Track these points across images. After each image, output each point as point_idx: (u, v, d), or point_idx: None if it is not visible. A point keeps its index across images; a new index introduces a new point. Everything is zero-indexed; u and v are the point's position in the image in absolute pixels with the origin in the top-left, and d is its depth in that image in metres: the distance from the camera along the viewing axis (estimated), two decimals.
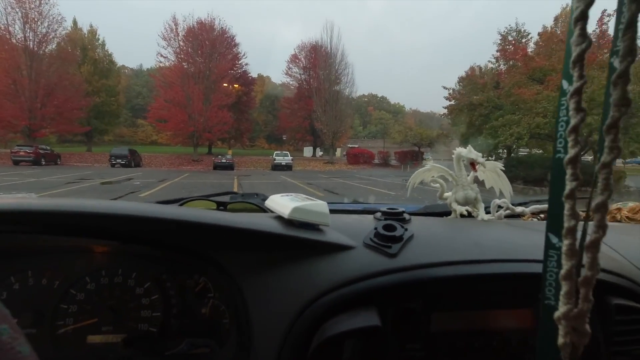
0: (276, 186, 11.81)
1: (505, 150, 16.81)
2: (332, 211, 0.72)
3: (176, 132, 27.36)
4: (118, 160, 21.00)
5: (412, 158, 26.42)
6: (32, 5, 23.39)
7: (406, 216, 0.75)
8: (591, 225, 0.27)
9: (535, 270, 0.57)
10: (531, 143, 15.52)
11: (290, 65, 39.03)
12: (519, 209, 0.95)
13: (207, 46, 28.12)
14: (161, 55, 28.40)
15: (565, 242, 0.27)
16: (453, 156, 0.91)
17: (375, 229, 0.65)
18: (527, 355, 0.58)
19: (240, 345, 0.59)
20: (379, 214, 0.76)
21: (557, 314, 0.27)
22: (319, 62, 31.72)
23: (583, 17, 0.24)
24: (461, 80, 20.16)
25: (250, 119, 42.72)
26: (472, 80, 19.54)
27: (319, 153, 40.59)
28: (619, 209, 1.04)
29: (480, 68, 20.84)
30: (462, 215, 0.91)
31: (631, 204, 1.04)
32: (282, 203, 0.66)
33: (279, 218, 0.66)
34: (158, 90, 27.88)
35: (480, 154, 0.88)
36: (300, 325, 0.53)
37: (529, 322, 0.59)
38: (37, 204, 0.55)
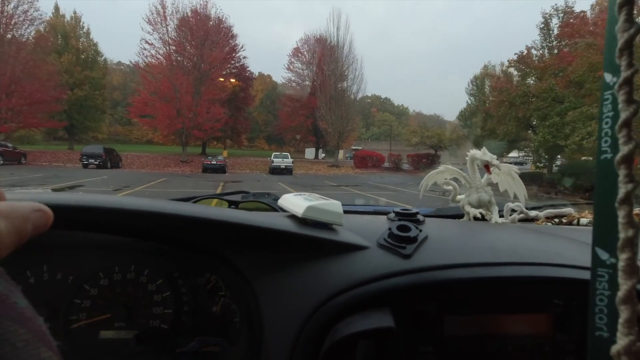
0: None
1: (545, 155, 13.63)
2: (344, 212, 0.74)
3: (162, 129, 24.38)
4: (91, 161, 18.10)
5: (428, 162, 23.45)
6: None
7: (420, 217, 0.74)
8: None
9: (550, 274, 0.57)
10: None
11: (292, 60, 36.20)
12: (532, 213, 0.97)
13: (200, 33, 25.05)
14: (146, 42, 24.77)
15: (623, 257, 0.23)
16: (467, 158, 0.90)
17: (389, 229, 0.64)
18: None
19: (251, 344, 0.59)
20: (392, 215, 0.75)
21: (615, 348, 0.23)
22: (323, 56, 28.84)
23: (629, 2, 0.22)
24: (512, 63, 15.80)
25: (249, 117, 39.92)
26: (528, 64, 14.87)
27: (322, 155, 37.65)
28: (637, 214, 1.00)
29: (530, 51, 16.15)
30: (475, 218, 0.90)
31: (638, 210, 1.00)
32: (296, 202, 0.66)
33: (293, 217, 0.66)
34: (142, 81, 24.84)
35: (495, 156, 0.87)
36: (313, 325, 0.52)
37: (544, 327, 0.59)
38: (55, 197, 0.56)
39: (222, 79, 28.10)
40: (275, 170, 20.22)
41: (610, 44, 0.24)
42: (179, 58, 24.98)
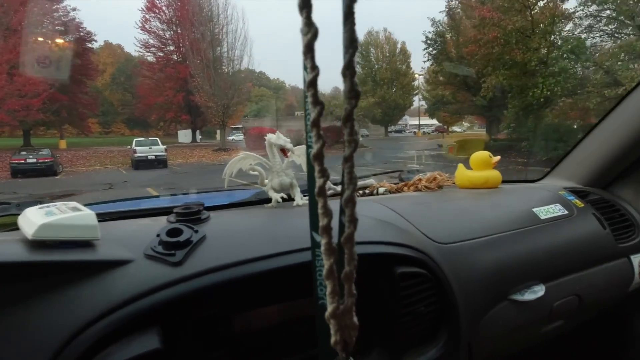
0: None
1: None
2: (120, 214, 0.70)
3: None
4: None
5: (335, 136, 20.30)
6: None
7: (203, 214, 0.71)
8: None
9: None
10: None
11: (148, 17, 28.08)
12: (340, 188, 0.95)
13: None
14: None
15: (323, 241, 0.26)
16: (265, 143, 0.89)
17: (158, 235, 0.59)
18: None
19: None
20: (172, 216, 0.71)
21: (326, 313, 0.27)
22: (192, 12, 22.55)
23: (308, 5, 0.22)
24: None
25: (96, 96, 30.43)
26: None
27: (199, 137, 31.22)
28: (420, 179, 1.17)
29: None
30: (284, 200, 0.92)
31: (428, 174, 1.19)
32: (32, 219, 0.54)
33: (26, 239, 0.56)
34: None
35: (288, 140, 0.89)
36: None
37: None
38: None
39: (40, 38, 19.32)
40: (142, 164, 14.18)
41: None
42: None
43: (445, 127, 29.39)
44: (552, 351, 1.30)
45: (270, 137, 0.90)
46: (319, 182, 0.25)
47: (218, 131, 25.49)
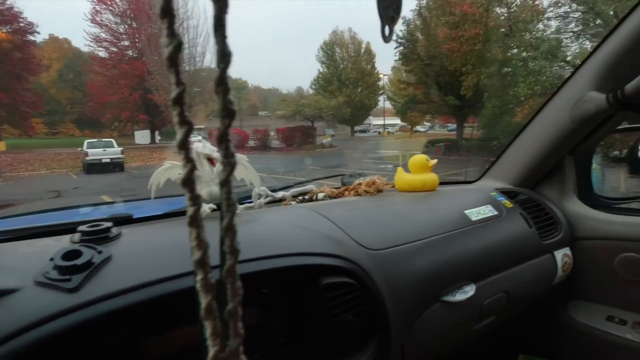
0: None
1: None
2: (18, 233, 0.66)
3: None
4: None
5: (304, 137, 19.81)
6: None
7: (112, 232, 0.65)
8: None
9: (244, 271, 0.59)
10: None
11: (98, 8, 26.23)
12: (279, 194, 1.04)
13: None
14: None
15: (198, 277, 0.23)
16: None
17: (52, 259, 0.54)
18: None
19: None
20: (77, 235, 0.64)
21: (208, 357, 0.24)
22: (148, 5, 21.30)
23: (169, 13, 0.19)
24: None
25: (41, 94, 28.09)
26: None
27: (158, 138, 29.58)
28: (360, 184, 1.17)
29: None
30: (214, 211, 0.88)
31: (368, 178, 1.19)
32: None
33: None
34: None
35: (215, 149, 0.86)
36: None
37: (255, 319, 0.62)
38: None
39: None
40: (95, 168, 13.14)
41: None
42: None
43: (410, 126, 29.96)
44: (486, 345, 1.37)
45: (196, 146, 0.86)
46: (190, 210, 0.22)
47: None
